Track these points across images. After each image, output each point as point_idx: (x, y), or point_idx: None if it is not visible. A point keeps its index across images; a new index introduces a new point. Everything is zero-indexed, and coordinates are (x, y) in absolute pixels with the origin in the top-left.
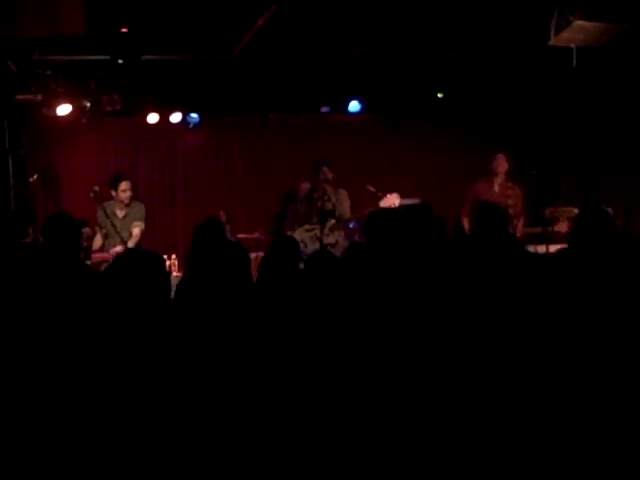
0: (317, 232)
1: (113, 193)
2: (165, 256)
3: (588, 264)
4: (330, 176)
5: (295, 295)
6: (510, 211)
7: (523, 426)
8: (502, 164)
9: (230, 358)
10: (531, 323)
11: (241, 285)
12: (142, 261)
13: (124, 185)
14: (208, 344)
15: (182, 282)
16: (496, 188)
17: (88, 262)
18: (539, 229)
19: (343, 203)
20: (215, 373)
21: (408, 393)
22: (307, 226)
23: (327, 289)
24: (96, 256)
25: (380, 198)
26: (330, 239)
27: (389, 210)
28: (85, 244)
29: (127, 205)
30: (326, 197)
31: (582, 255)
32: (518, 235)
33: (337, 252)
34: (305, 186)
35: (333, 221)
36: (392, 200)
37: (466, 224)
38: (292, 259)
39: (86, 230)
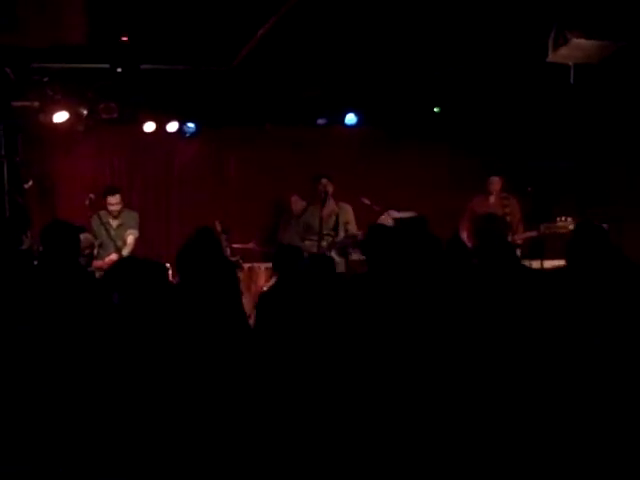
0: (314, 247)
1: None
2: None
3: (585, 281)
4: (330, 189)
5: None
6: (508, 219)
7: (517, 436)
8: (496, 186)
9: (230, 361)
10: (529, 336)
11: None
12: (143, 270)
13: (111, 199)
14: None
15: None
16: (492, 200)
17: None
18: (535, 233)
19: (348, 217)
20: (216, 376)
21: (406, 403)
22: (307, 242)
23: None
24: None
25: (375, 210)
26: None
27: (385, 226)
28: (87, 251)
29: (116, 216)
30: (326, 211)
31: (579, 272)
32: (518, 241)
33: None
34: (296, 199)
35: (330, 238)
36: (384, 220)
37: (464, 236)
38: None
39: (87, 237)
